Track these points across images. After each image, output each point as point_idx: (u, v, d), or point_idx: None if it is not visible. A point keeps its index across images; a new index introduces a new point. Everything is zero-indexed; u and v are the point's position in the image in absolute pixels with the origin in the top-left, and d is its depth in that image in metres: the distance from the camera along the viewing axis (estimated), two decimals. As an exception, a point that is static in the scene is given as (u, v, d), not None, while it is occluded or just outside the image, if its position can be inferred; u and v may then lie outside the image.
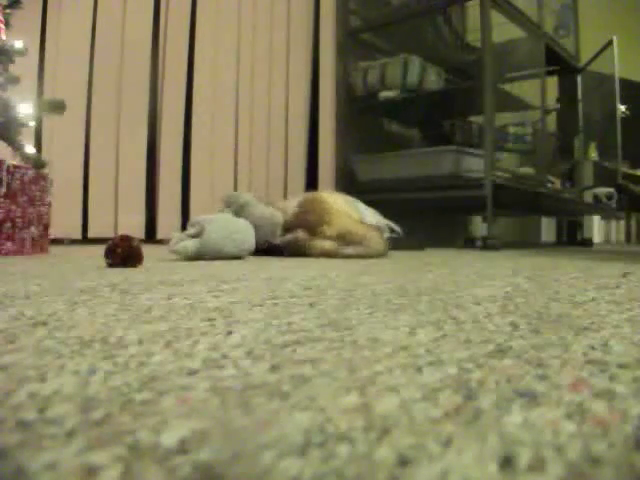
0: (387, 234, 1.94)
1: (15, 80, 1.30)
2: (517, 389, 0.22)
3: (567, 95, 3.18)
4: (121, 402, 0.20)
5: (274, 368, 0.25)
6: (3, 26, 1.26)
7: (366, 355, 0.27)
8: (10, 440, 0.16)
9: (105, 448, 0.16)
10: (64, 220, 1.87)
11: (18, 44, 1.28)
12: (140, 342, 0.30)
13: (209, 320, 0.37)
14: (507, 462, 0.15)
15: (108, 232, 2.01)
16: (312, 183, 2.72)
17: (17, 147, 1.29)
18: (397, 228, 2.00)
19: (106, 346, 0.29)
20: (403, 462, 0.15)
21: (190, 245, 1.11)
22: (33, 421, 0.18)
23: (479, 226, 3.28)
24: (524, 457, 0.16)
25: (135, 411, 0.19)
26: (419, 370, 0.25)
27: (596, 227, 3.98)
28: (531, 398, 0.21)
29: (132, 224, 2.07)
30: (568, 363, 0.26)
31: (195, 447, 0.16)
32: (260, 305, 0.45)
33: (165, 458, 0.15)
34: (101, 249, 0.89)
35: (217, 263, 1.02)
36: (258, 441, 0.16)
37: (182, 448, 0.16)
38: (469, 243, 3.16)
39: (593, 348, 0.30)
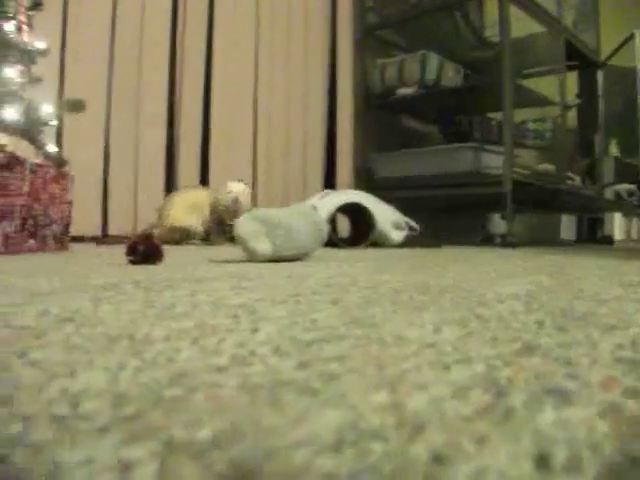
0: (405, 231, 1.94)
1: (37, 80, 1.32)
2: (547, 387, 0.22)
3: (587, 90, 3.15)
4: (152, 398, 0.20)
5: (302, 365, 0.25)
6: (26, 28, 1.28)
7: (393, 353, 0.27)
8: (45, 435, 0.17)
9: (139, 444, 0.16)
10: (84, 217, 1.88)
11: (40, 45, 1.29)
12: (167, 339, 0.30)
13: (234, 317, 0.37)
14: (542, 461, 0.15)
15: (127, 229, 2.02)
16: (330, 180, 2.72)
17: (39, 146, 1.30)
18: (415, 225, 2.00)
19: (133, 342, 0.29)
20: (438, 460, 0.15)
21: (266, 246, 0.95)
22: (66, 416, 0.18)
23: (497, 223, 3.26)
24: (559, 456, 0.15)
25: (166, 407, 0.19)
26: (447, 368, 0.25)
27: (617, 224, 3.95)
28: (562, 396, 0.21)
29: (151, 222, 2.08)
30: (597, 361, 0.26)
31: (228, 444, 0.16)
32: (283, 302, 0.45)
33: (200, 454, 0.15)
34: (118, 248, 0.90)
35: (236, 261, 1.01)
36: (291, 438, 0.16)
37: (216, 444, 0.16)
38: (487, 240, 3.14)
39: (621, 346, 0.29)
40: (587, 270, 0.86)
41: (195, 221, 1.93)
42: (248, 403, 0.20)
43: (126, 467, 0.15)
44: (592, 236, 3.29)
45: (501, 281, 0.66)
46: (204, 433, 0.17)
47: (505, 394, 0.21)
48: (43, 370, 0.24)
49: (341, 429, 0.17)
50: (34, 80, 1.32)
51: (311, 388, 0.21)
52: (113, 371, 0.24)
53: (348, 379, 0.23)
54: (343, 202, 1.84)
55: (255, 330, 0.33)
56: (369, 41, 2.82)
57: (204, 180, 2.31)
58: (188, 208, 1.93)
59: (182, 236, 1.89)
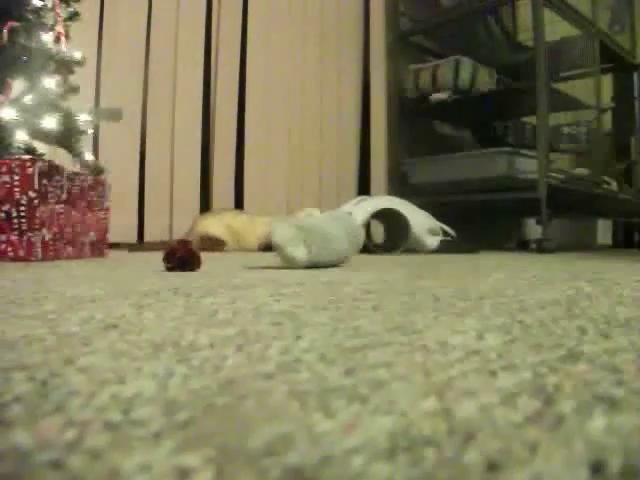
0: (440, 236, 1.93)
1: (75, 90, 1.34)
2: (596, 394, 0.22)
3: (623, 93, 3.10)
4: (203, 405, 0.20)
5: (348, 372, 0.25)
6: (64, 38, 1.30)
7: (438, 359, 0.27)
8: (100, 441, 0.17)
9: (195, 450, 0.16)
10: (121, 224, 1.91)
11: (77, 55, 1.32)
12: (211, 346, 0.30)
13: (276, 324, 0.37)
14: (598, 468, 0.15)
15: (163, 236, 2.05)
16: (364, 185, 2.72)
17: (77, 154, 1.33)
18: (450, 230, 1.99)
19: (179, 349, 0.29)
20: (493, 466, 0.15)
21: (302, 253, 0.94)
22: (119, 422, 0.18)
23: (533, 228, 3.23)
24: (615, 463, 0.15)
25: (218, 414, 0.19)
26: (493, 374, 0.25)
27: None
28: (611, 403, 0.21)
29: (186, 228, 2.10)
30: (645, 368, 0.26)
31: (282, 451, 0.16)
32: (324, 309, 0.45)
33: (255, 461, 0.15)
34: (152, 254, 0.91)
35: (273, 267, 1.02)
36: (344, 445, 0.16)
37: (270, 451, 0.16)
38: (522, 246, 3.11)
39: (668, 353, 0.29)
40: (626, 275, 0.85)
41: (224, 233, 1.96)
42: (299, 410, 0.20)
43: (184, 473, 0.15)
44: (629, 241, 3.24)
45: (540, 287, 0.66)
46: (257, 440, 0.17)
47: (554, 401, 0.21)
48: (93, 376, 0.24)
49: (394, 436, 0.17)
50: (71, 89, 1.35)
51: (360, 395, 0.21)
52: (162, 378, 0.24)
53: (396, 386, 0.23)
54: (378, 208, 1.84)
55: (298, 337, 0.33)
56: (402, 47, 2.82)
57: (239, 181, 2.33)
58: (220, 222, 1.97)
59: (210, 245, 1.91)
